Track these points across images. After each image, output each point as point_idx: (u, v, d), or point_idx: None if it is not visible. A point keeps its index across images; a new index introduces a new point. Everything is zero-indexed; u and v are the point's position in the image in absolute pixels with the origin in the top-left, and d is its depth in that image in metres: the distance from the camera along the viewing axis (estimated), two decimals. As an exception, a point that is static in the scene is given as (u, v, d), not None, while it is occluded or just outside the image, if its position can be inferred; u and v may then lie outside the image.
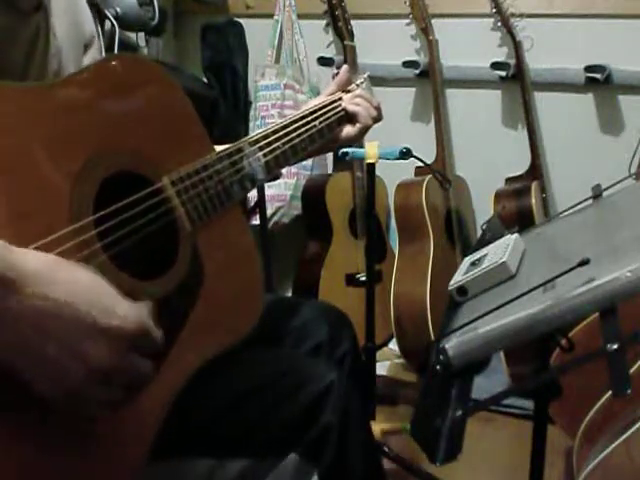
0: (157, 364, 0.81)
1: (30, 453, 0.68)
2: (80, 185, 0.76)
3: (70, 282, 0.65)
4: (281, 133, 1.05)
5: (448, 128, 2.55)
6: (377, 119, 1.24)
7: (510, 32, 2.34)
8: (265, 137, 1.03)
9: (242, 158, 0.98)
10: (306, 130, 1.11)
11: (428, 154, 2.25)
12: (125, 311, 0.68)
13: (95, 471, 0.74)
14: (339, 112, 1.20)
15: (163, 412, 0.81)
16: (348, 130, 1.22)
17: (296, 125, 1.09)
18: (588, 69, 2.29)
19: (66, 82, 0.83)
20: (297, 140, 1.08)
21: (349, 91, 1.24)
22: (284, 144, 1.05)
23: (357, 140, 1.24)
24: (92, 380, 0.65)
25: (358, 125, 1.21)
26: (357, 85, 1.26)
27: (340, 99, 1.21)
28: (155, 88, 0.91)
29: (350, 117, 1.21)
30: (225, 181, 0.94)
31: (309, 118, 1.13)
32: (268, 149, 1.02)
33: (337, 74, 1.28)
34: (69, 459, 0.72)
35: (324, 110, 1.17)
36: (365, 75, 1.32)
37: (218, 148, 0.96)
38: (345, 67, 1.29)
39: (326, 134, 1.16)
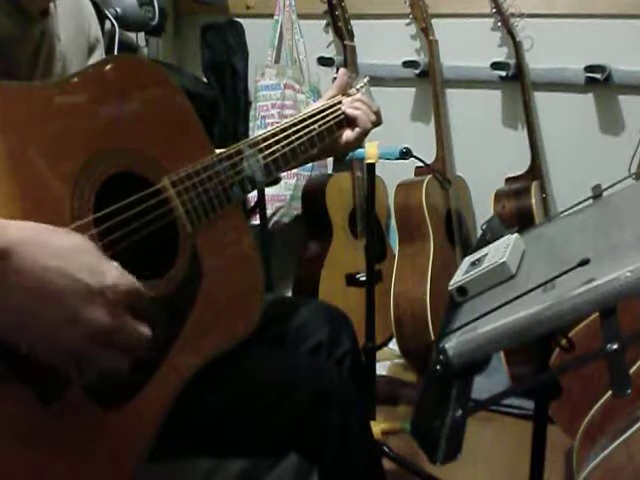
0: (157, 362, 0.82)
1: (29, 456, 0.69)
2: (81, 185, 0.76)
3: (56, 247, 0.65)
4: (281, 136, 1.05)
5: (448, 128, 2.55)
6: (376, 123, 1.24)
7: (510, 32, 2.34)
8: (265, 139, 1.03)
9: (242, 160, 0.98)
10: (306, 133, 1.11)
11: (428, 154, 2.25)
12: (114, 272, 0.68)
13: (95, 473, 0.74)
14: (339, 116, 1.20)
15: (162, 414, 0.81)
16: (347, 134, 1.21)
17: (296, 128, 1.09)
18: (588, 69, 2.29)
19: (67, 83, 0.83)
20: (297, 143, 1.08)
21: (349, 95, 1.24)
22: (283, 147, 1.05)
23: (356, 144, 1.24)
24: (94, 342, 0.66)
25: (357, 129, 1.21)
26: (357, 89, 1.26)
27: (340, 103, 1.21)
28: (155, 89, 0.91)
29: (350, 121, 1.21)
30: (225, 182, 0.94)
31: (309, 121, 1.12)
32: (268, 151, 1.02)
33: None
34: (68, 461, 0.72)
35: (324, 114, 1.17)
36: (365, 79, 1.31)
37: (217, 151, 0.96)
38: (343, 70, 1.28)
39: (326, 137, 1.16)
